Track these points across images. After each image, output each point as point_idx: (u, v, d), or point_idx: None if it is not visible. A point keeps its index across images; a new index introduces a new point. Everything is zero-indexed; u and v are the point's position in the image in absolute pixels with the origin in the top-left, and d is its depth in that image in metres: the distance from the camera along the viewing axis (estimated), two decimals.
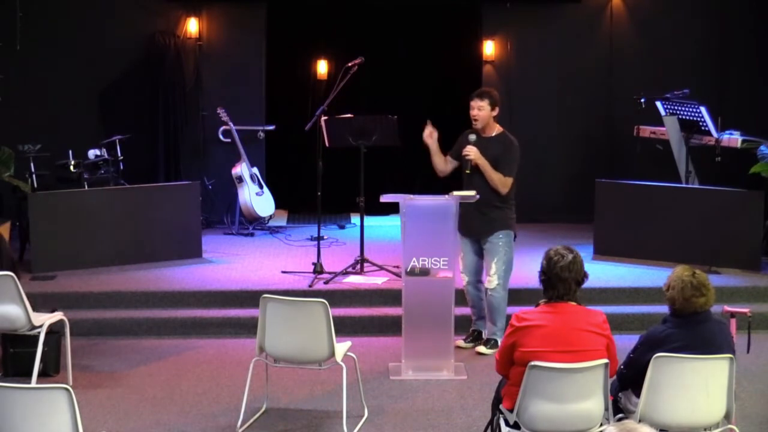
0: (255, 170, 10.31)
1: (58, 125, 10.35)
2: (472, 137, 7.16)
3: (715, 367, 4.77)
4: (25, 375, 6.44)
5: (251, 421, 5.99)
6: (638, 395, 4.83)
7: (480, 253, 7.24)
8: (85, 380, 6.68)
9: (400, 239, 6.92)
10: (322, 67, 11.04)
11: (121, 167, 9.77)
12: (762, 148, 8.95)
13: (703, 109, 9.21)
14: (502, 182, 7.08)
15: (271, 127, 10.83)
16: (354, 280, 8.26)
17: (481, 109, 7.11)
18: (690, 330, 4.82)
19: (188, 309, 7.90)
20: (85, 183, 9.40)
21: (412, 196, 6.85)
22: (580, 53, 10.97)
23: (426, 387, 6.61)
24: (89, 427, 5.29)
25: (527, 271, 7.85)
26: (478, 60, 11.05)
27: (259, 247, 9.64)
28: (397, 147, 8.68)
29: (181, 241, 8.99)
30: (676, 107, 9.37)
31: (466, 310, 7.42)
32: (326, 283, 8.16)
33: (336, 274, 8.28)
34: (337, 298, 7.68)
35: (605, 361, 4.70)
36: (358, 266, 8.41)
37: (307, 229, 10.40)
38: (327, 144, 8.48)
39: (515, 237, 7.25)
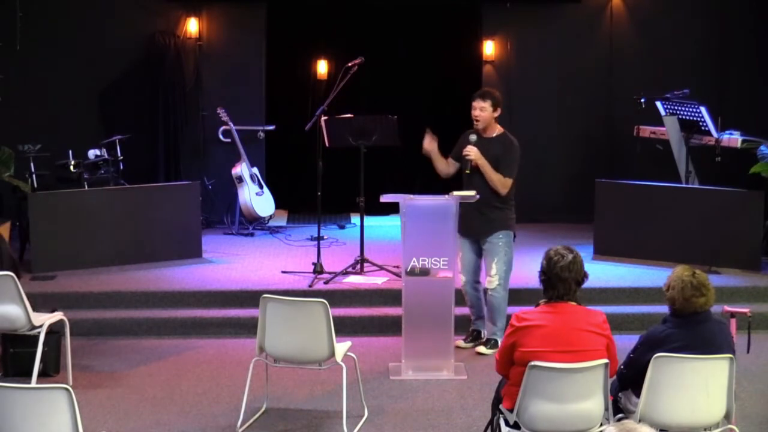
0: (255, 170, 10.31)
1: (58, 125, 10.35)
2: (473, 137, 7.16)
3: (715, 367, 4.77)
4: (25, 375, 6.44)
5: (251, 421, 5.99)
6: (638, 395, 4.83)
7: (479, 253, 7.25)
8: (85, 380, 6.68)
9: (400, 239, 6.92)
10: (322, 67, 11.04)
11: (121, 167, 9.77)
12: (762, 148, 8.95)
13: (703, 109, 9.21)
14: (501, 183, 7.08)
15: (271, 127, 10.83)
16: (354, 280, 8.26)
17: (483, 110, 7.11)
18: (690, 330, 4.82)
19: (188, 309, 7.90)
20: (85, 183, 9.40)
21: (412, 196, 6.85)
22: (580, 53, 10.96)
23: (426, 387, 6.60)
24: (89, 427, 5.29)
25: (527, 271, 7.85)
26: (478, 60, 11.05)
27: (259, 247, 9.63)
28: (397, 147, 8.67)
29: (181, 241, 8.99)
30: (676, 107, 9.36)
31: (465, 310, 7.42)
32: (326, 283, 8.16)
33: (336, 274, 8.28)
34: (337, 298, 7.68)
35: (605, 361, 4.70)
36: (358, 266, 8.41)
37: (307, 229, 10.39)
38: (327, 144, 8.48)
39: (515, 237, 7.26)
